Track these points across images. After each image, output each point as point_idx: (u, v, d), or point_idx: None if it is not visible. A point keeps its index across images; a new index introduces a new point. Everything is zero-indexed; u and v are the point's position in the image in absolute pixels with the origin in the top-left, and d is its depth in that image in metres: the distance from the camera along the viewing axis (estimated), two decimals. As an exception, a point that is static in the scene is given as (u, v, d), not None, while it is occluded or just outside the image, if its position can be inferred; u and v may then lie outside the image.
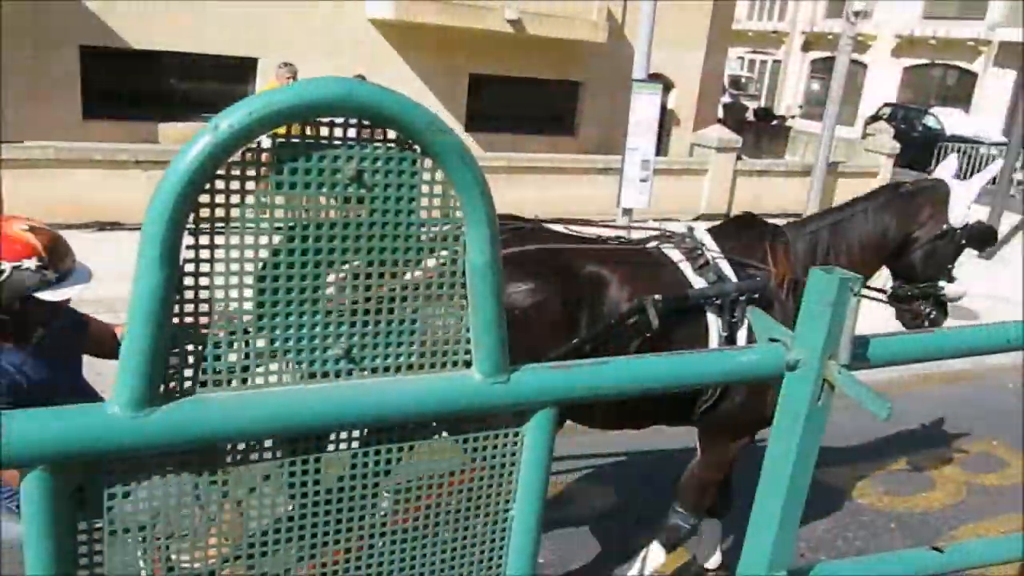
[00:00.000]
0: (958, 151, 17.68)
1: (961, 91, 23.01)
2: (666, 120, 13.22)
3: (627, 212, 6.46)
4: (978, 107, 22.08)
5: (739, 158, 11.22)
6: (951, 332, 1.20)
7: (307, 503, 0.90)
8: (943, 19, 23.16)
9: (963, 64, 22.98)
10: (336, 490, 0.89)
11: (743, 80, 27.72)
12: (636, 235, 3.15)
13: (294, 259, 0.80)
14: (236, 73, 9.93)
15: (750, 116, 19.41)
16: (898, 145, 12.54)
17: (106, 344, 2.48)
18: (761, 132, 17.19)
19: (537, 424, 0.95)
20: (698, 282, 2.72)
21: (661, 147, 12.84)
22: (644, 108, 6.19)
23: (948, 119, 19.73)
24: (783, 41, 28.83)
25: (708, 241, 2.88)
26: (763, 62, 30.02)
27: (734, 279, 2.74)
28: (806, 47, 27.88)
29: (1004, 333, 1.46)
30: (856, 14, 11.01)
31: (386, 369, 0.88)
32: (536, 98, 12.31)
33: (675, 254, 2.83)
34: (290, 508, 0.90)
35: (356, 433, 0.91)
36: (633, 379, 0.98)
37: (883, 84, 24.86)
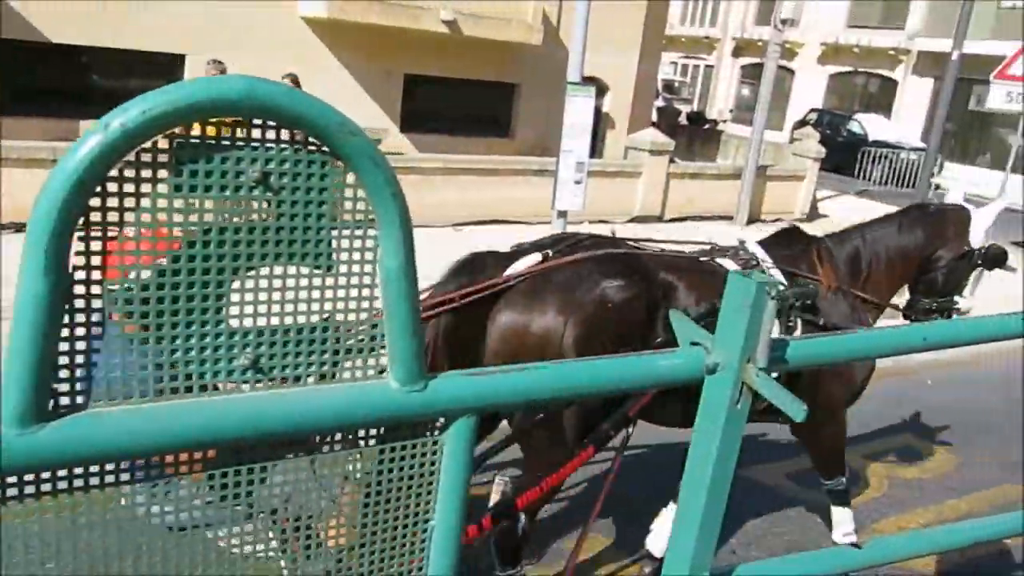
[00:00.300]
0: (880, 156, 18.37)
1: (883, 98, 23.87)
2: (601, 123, 13.36)
3: (562, 214, 6.49)
4: (898, 114, 22.93)
5: (672, 161, 11.39)
6: (866, 334, 1.22)
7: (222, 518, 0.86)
8: (866, 28, 23.99)
9: (884, 72, 23.83)
10: (246, 504, 0.86)
11: (676, 84, 28.23)
12: (682, 248, 3.28)
13: (195, 265, 0.76)
14: (163, 70, 9.64)
15: (683, 120, 19.77)
16: (823, 149, 12.91)
17: None
18: (694, 136, 17.52)
19: (457, 432, 0.93)
20: None
21: (596, 150, 12.97)
22: (578, 111, 6.23)
23: (871, 125, 20.46)
24: (715, 47, 29.46)
25: (760, 252, 3.10)
26: (696, 67, 30.62)
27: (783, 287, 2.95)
28: (736, 53, 28.54)
29: (919, 332, 1.51)
30: (783, 21, 11.32)
31: (297, 379, 0.85)
32: (472, 99, 12.30)
33: (731, 264, 3.01)
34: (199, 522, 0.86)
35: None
36: (554, 386, 0.97)
37: (810, 90, 25.62)
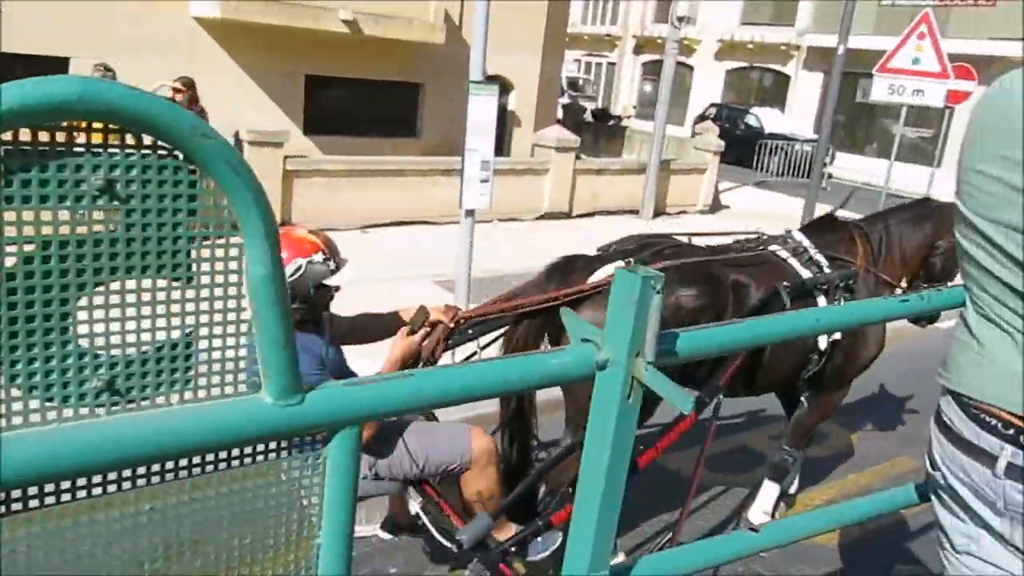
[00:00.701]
0: (777, 148, 19.05)
1: (777, 92, 24.80)
2: (507, 121, 13.40)
3: (469, 213, 6.46)
4: (792, 107, 23.87)
5: (578, 157, 11.53)
6: (754, 322, 1.24)
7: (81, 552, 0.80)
8: (759, 25, 24.87)
9: (778, 67, 24.76)
10: (108, 534, 0.80)
11: (581, 82, 28.59)
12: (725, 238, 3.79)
13: (35, 283, 0.70)
14: (45, 74, 9.14)
15: (588, 117, 20.03)
16: (723, 143, 13.30)
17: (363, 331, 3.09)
18: (599, 132, 17.77)
19: (339, 445, 0.89)
20: (805, 273, 3.36)
21: (503, 148, 13.00)
22: (482, 109, 6.20)
23: (767, 118, 21.22)
24: (616, 44, 30.00)
25: (805, 240, 3.54)
26: (599, 64, 31.11)
27: (827, 270, 3.40)
28: (637, 50, 29.14)
29: (813, 315, 1.55)
30: (680, 19, 11.60)
31: (161, 400, 0.79)
32: (377, 100, 12.14)
33: (783, 252, 3.45)
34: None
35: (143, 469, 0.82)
36: (439, 392, 0.94)
37: (709, 85, 26.39)
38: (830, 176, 18.42)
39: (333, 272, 2.67)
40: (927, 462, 1.73)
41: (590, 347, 1.06)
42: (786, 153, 18.69)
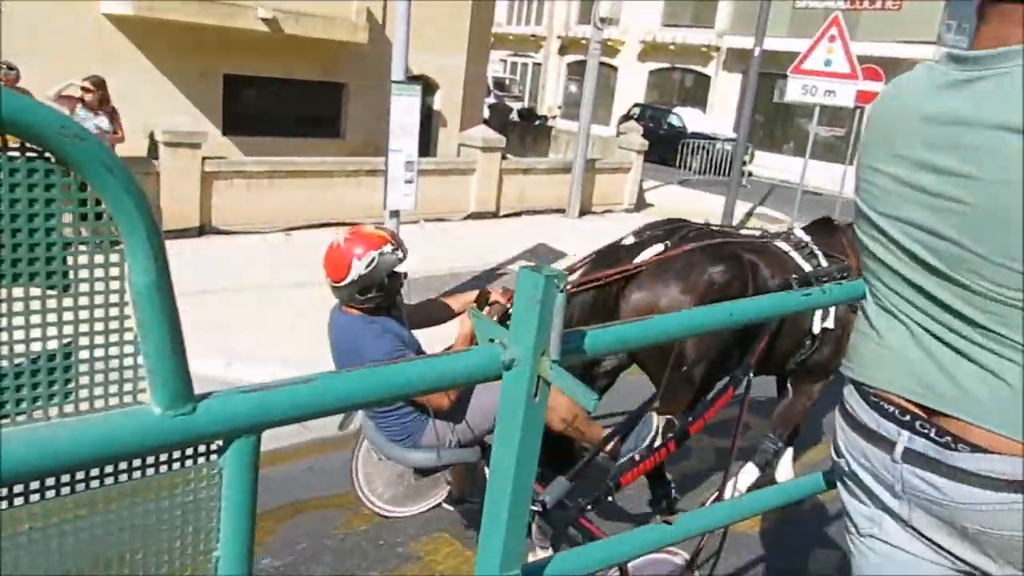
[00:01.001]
0: (699, 147, 19.48)
1: (698, 92, 25.37)
2: (432, 121, 13.34)
3: (394, 214, 6.41)
4: (713, 107, 24.45)
5: (504, 157, 11.56)
6: (662, 319, 1.26)
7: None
8: (680, 26, 25.40)
9: (699, 68, 25.34)
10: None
11: (507, 82, 28.68)
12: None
13: None
14: (-59, 73, 8.67)
15: (514, 116, 20.11)
16: (646, 142, 13.52)
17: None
18: (525, 132, 17.86)
19: (236, 455, 0.87)
20: (807, 266, 3.63)
21: (429, 148, 12.94)
22: (404, 110, 6.16)
23: (689, 118, 21.69)
24: (541, 45, 30.20)
25: (805, 236, 3.86)
26: (524, 65, 31.26)
27: (825, 264, 3.68)
28: (562, 51, 29.40)
29: (727, 309, 1.59)
30: (603, 20, 11.74)
31: (38, 412, 0.75)
32: (300, 99, 11.93)
33: (785, 246, 3.75)
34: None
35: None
36: (342, 395, 0.92)
37: (632, 86, 26.82)
38: (750, 174, 18.95)
39: (400, 261, 3.05)
40: (832, 450, 1.79)
41: (496, 347, 1.06)
42: (708, 152, 19.15)
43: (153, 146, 8.31)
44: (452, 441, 3.14)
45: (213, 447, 0.86)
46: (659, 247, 3.49)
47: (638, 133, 13.80)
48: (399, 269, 3.06)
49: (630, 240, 3.74)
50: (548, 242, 10.11)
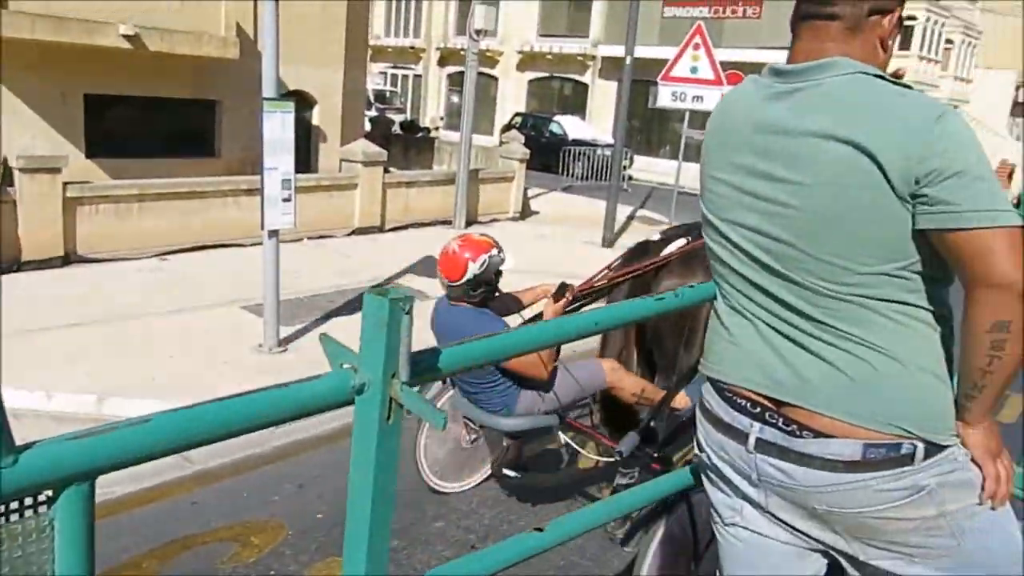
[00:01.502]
0: (580, 153, 19.92)
1: (577, 100, 25.96)
2: (313, 137, 13.10)
3: (273, 234, 6.25)
4: (591, 114, 25.08)
5: (387, 171, 11.48)
6: (513, 333, 1.29)
7: None
8: (556, 36, 25.94)
9: (576, 76, 25.94)
10: None
11: (388, 94, 28.50)
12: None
13: None
14: None
15: (397, 129, 19.99)
16: (527, 151, 13.71)
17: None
18: (409, 144, 17.79)
19: (67, 504, 0.83)
20: None
21: (310, 164, 12.70)
22: (278, 127, 6.02)
23: (569, 125, 22.17)
24: (421, 56, 30.19)
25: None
26: (405, 76, 31.15)
27: None
28: (442, 62, 29.48)
29: (591, 319, 1.64)
30: (478, 32, 11.85)
31: None
32: (170, 118, 11.46)
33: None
34: None
35: None
36: (179, 436, 0.90)
37: (513, 95, 27.17)
38: (630, 178, 19.52)
39: (503, 261, 3.68)
40: (695, 445, 1.88)
41: (348, 372, 1.07)
42: (589, 158, 19.61)
43: (8, 172, 7.80)
44: (540, 408, 3.70)
45: (42, 498, 0.83)
46: (682, 241, 4.07)
47: (520, 142, 13.99)
48: (502, 268, 3.71)
49: (656, 237, 4.35)
50: (435, 254, 10.08)
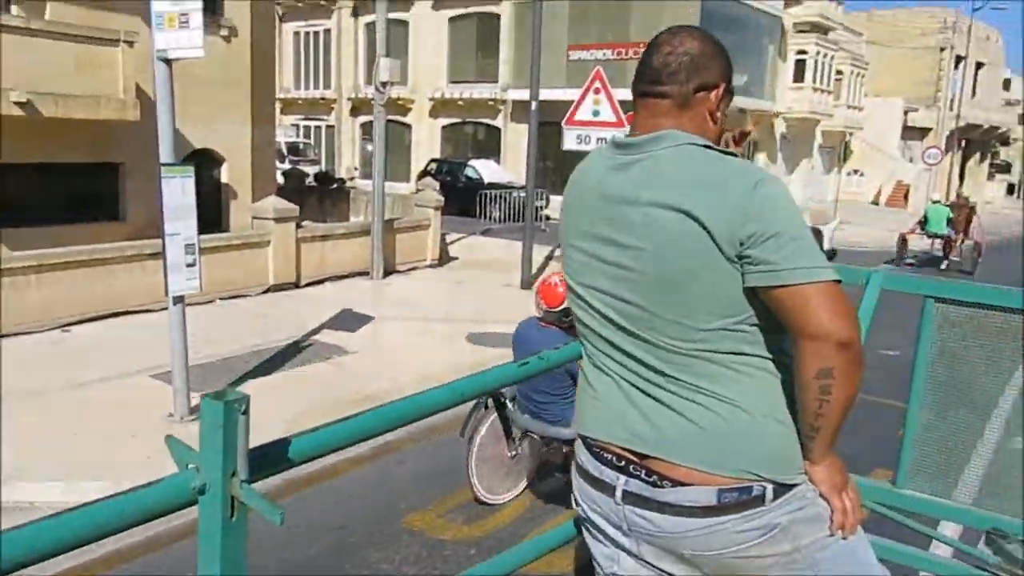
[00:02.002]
0: (496, 196, 20.16)
1: (491, 144, 26.33)
2: (223, 195, 12.93)
3: (178, 300, 6.13)
4: (506, 157, 25.46)
5: (300, 225, 11.40)
6: (360, 419, 1.34)
7: None
8: (466, 82, 26.33)
9: (488, 120, 26.33)
10: None
11: (302, 146, 28.35)
12: None
13: None
14: None
15: (311, 181, 19.87)
16: (442, 198, 13.82)
17: None
18: (324, 195, 17.70)
19: None
20: None
21: (221, 223, 12.51)
22: (177, 192, 5.95)
23: (484, 169, 22.45)
24: (333, 107, 30.18)
25: None
26: (318, 128, 31.06)
27: None
28: (354, 112, 29.53)
29: (449, 390, 1.68)
30: (383, 84, 11.98)
31: None
32: (72, 183, 11.16)
33: None
34: None
35: None
36: (21, 551, 0.91)
37: (428, 141, 27.39)
38: (547, 218, 19.84)
39: None
40: (572, 501, 1.95)
41: (190, 473, 1.09)
42: (506, 200, 19.88)
43: None
44: None
45: None
46: None
47: (435, 189, 14.12)
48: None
49: None
50: (353, 306, 10.06)
